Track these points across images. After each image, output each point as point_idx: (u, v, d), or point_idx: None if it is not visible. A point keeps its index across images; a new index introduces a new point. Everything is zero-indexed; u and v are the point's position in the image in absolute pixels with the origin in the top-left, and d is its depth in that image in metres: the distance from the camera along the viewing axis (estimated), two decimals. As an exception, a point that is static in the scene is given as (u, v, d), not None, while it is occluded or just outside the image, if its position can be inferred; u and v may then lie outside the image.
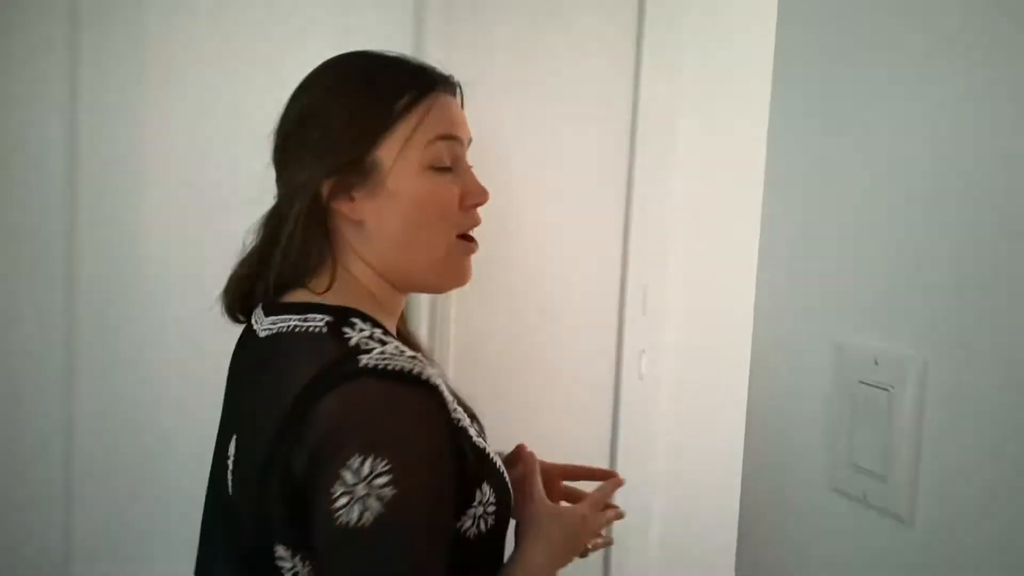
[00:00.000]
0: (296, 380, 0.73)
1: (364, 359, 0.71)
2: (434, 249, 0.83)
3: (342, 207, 0.82)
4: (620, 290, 1.68)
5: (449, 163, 0.84)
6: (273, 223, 0.84)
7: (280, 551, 0.74)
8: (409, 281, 0.86)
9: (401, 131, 0.82)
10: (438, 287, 0.90)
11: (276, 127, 0.86)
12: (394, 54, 0.87)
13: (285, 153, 0.85)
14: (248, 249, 0.87)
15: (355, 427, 0.69)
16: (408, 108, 0.82)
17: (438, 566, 0.69)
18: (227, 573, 0.82)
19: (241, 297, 0.87)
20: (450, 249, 0.84)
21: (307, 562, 0.74)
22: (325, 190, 0.81)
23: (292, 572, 0.74)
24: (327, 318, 0.78)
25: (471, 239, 0.87)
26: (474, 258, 0.89)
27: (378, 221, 0.82)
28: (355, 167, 0.81)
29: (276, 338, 0.79)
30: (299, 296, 0.82)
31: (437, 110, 0.84)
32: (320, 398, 0.70)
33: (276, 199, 0.86)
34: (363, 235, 0.83)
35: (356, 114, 0.82)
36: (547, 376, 1.50)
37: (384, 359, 0.71)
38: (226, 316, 0.89)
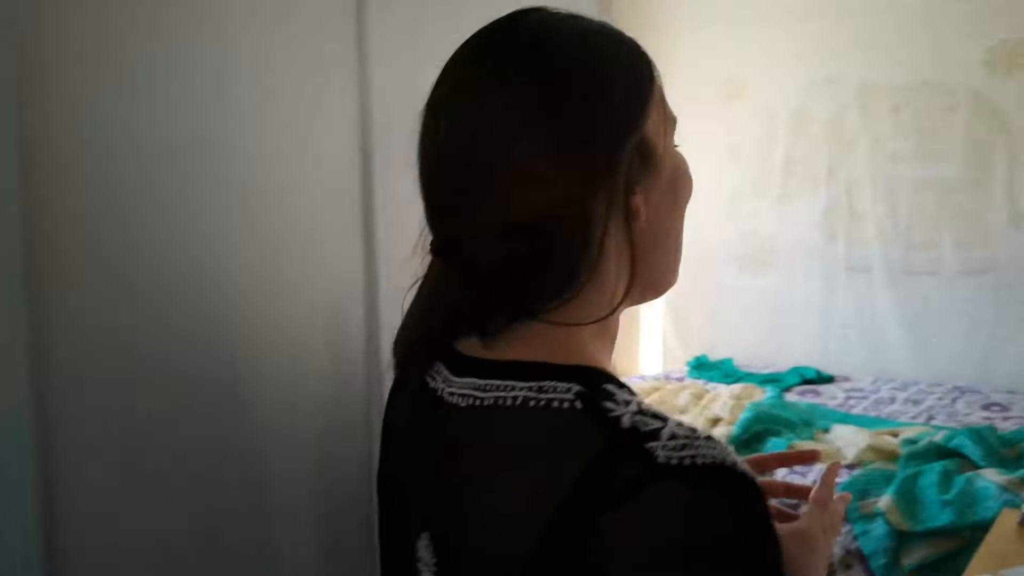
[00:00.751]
0: (555, 480, 0.52)
1: (656, 452, 0.51)
2: (680, 245, 0.67)
3: (636, 202, 0.60)
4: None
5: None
6: (531, 231, 0.57)
7: None
8: (651, 292, 0.68)
9: (657, 101, 0.63)
10: (658, 295, 0.70)
11: (527, 108, 0.58)
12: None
13: (564, 133, 0.58)
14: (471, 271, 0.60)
15: (667, 565, 0.48)
16: (655, 75, 0.65)
17: None
18: None
19: (427, 339, 0.64)
20: None
21: None
22: (621, 181, 0.59)
23: None
24: (575, 387, 0.56)
25: None
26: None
27: (653, 216, 0.62)
28: (642, 148, 0.60)
29: (490, 414, 0.57)
30: (529, 346, 0.59)
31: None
32: (604, 512, 0.50)
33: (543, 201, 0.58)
34: (628, 238, 0.61)
35: (632, 82, 0.62)
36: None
37: (682, 448, 0.51)
38: (394, 364, 0.67)
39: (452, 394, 0.60)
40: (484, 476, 0.57)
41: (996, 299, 3.44)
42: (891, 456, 2.45)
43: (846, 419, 2.95)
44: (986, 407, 3.09)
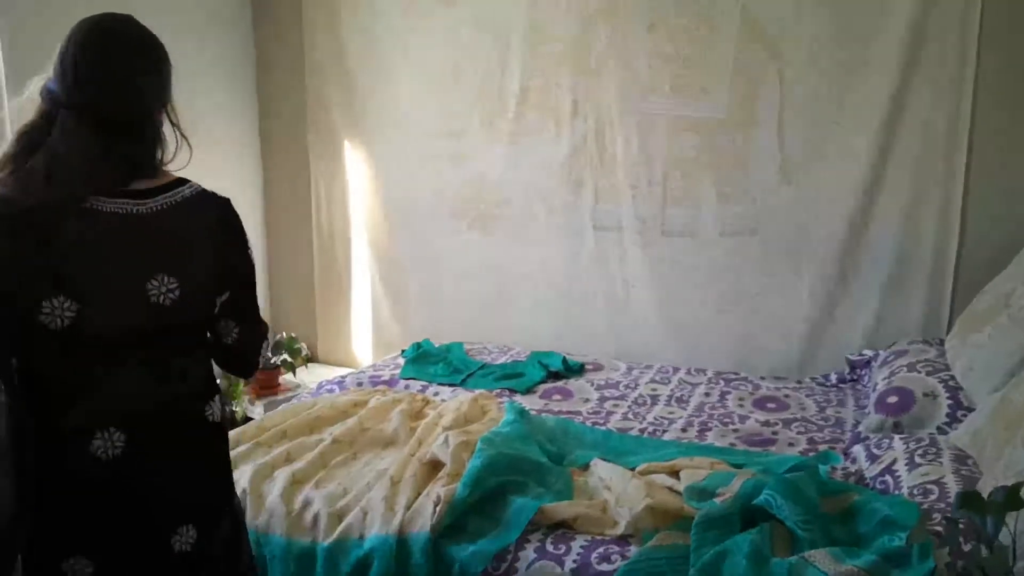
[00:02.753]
0: (218, 215, 1.32)
1: (219, 193, 1.34)
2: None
3: (173, 115, 1.33)
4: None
5: None
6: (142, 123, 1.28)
7: (221, 299, 1.33)
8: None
9: None
10: None
11: (149, 57, 1.28)
12: None
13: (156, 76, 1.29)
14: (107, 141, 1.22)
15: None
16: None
17: None
18: (194, 355, 1.34)
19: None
20: None
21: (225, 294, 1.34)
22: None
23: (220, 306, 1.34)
24: (194, 184, 1.31)
25: None
26: None
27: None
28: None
29: (180, 203, 1.27)
30: (167, 177, 1.30)
31: None
32: (230, 212, 1.34)
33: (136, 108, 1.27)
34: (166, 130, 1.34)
35: (168, 62, 1.32)
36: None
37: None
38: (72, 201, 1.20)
39: (149, 206, 1.24)
40: (184, 227, 1.27)
41: (760, 266, 2.89)
42: (677, 519, 1.70)
43: (606, 441, 2.20)
44: (760, 404, 2.51)
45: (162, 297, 1.23)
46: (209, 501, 1.34)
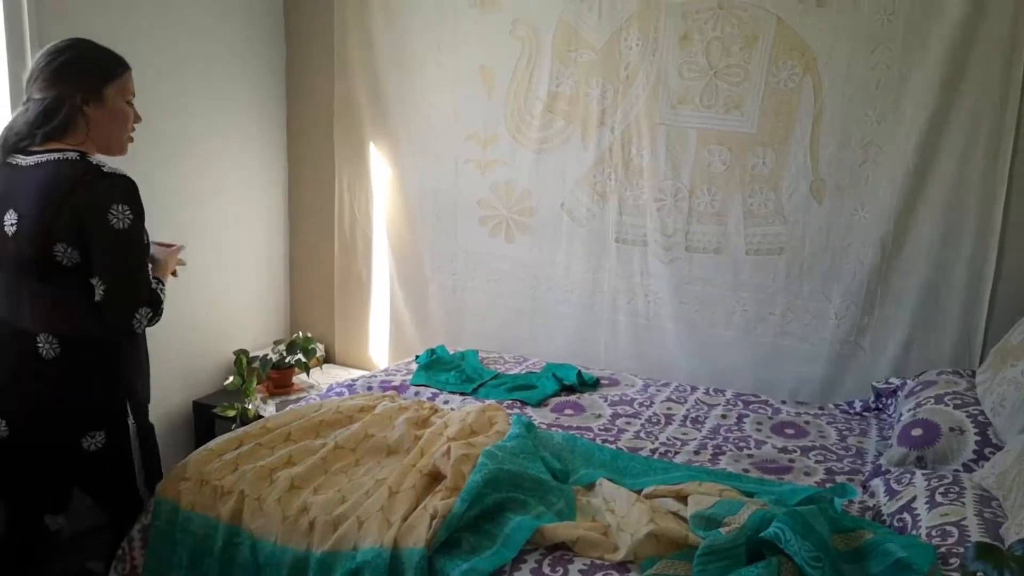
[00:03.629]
0: (77, 172, 1.72)
1: (104, 167, 1.74)
2: (117, 137, 1.89)
3: (88, 109, 1.78)
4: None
5: None
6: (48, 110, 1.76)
7: (59, 249, 1.71)
8: (101, 148, 1.86)
9: (118, 81, 1.87)
10: (108, 152, 1.87)
11: (61, 65, 1.78)
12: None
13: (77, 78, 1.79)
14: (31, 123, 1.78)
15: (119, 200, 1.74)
16: (120, 71, 1.88)
17: None
18: (28, 287, 1.77)
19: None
20: None
21: (76, 251, 1.72)
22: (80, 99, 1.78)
23: (67, 257, 1.72)
24: (76, 152, 1.75)
25: None
26: None
27: (99, 117, 1.81)
28: (96, 92, 1.81)
29: (47, 162, 1.74)
30: (57, 146, 1.76)
31: None
32: (92, 181, 1.72)
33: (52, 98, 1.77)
34: (87, 122, 1.80)
35: (102, 69, 1.82)
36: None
37: (109, 167, 1.75)
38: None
39: (28, 161, 1.76)
40: (39, 180, 1.73)
41: (787, 287, 2.80)
42: (680, 547, 1.63)
43: (615, 461, 2.13)
44: (778, 430, 2.42)
45: (8, 228, 1.74)
46: (26, 411, 1.80)
